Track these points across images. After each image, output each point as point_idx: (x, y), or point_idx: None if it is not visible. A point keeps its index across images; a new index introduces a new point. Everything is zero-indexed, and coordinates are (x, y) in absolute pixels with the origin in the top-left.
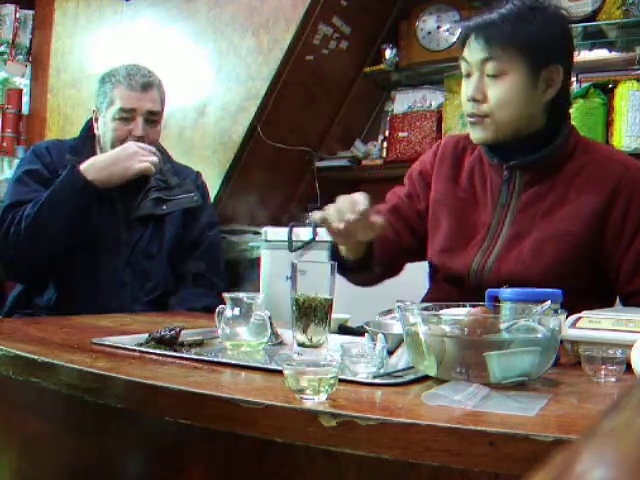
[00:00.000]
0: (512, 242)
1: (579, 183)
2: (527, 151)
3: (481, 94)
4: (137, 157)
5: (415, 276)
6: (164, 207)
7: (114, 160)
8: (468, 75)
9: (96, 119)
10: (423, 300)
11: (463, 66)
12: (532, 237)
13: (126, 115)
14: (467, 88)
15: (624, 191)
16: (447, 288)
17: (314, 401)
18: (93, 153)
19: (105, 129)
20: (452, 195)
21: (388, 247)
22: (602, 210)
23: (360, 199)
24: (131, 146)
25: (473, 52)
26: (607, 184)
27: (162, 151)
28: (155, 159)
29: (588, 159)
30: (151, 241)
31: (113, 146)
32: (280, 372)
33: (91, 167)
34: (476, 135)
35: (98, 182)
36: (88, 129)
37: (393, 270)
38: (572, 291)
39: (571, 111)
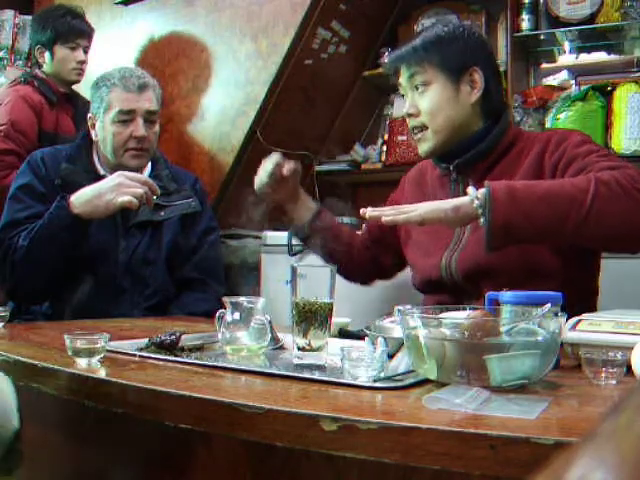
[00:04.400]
0: (474, 234)
1: (520, 166)
2: (470, 151)
3: (414, 108)
4: (121, 189)
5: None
6: (162, 213)
7: (98, 193)
8: (404, 96)
9: (92, 126)
10: (422, 303)
11: (401, 91)
12: None
13: (126, 117)
14: (405, 107)
15: (551, 144)
16: (436, 296)
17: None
18: (90, 160)
19: (105, 134)
20: None
21: (349, 242)
22: (537, 167)
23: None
24: (119, 176)
25: (403, 75)
26: (537, 150)
27: (159, 157)
28: (140, 191)
29: (525, 145)
30: (149, 247)
31: (116, 150)
32: (281, 377)
33: (78, 199)
34: (422, 148)
35: (84, 215)
36: (84, 136)
37: (364, 274)
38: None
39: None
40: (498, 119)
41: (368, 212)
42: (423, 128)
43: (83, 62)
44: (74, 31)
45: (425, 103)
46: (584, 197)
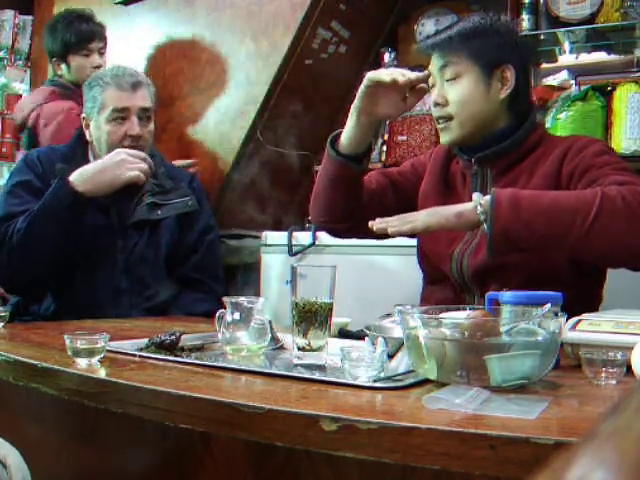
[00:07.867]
0: None
1: (539, 168)
2: (493, 147)
3: (442, 98)
4: (126, 165)
5: (413, 279)
6: (159, 212)
7: (101, 169)
8: (433, 86)
9: (87, 126)
10: (422, 299)
11: (430, 80)
12: None
13: (120, 115)
14: (432, 96)
15: (571, 151)
16: (439, 286)
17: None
18: (86, 160)
19: (99, 133)
20: (439, 191)
21: (368, 188)
22: (555, 172)
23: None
24: (120, 153)
25: (434, 64)
26: (558, 154)
27: (156, 154)
28: (145, 166)
29: (548, 148)
30: (147, 247)
31: (110, 150)
32: (281, 376)
33: (79, 177)
34: (444, 138)
35: (87, 192)
36: (79, 136)
37: (358, 214)
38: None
39: (572, 115)
40: (525, 118)
41: (376, 224)
42: (449, 119)
43: (99, 66)
44: (84, 37)
45: (454, 94)
46: (588, 212)
